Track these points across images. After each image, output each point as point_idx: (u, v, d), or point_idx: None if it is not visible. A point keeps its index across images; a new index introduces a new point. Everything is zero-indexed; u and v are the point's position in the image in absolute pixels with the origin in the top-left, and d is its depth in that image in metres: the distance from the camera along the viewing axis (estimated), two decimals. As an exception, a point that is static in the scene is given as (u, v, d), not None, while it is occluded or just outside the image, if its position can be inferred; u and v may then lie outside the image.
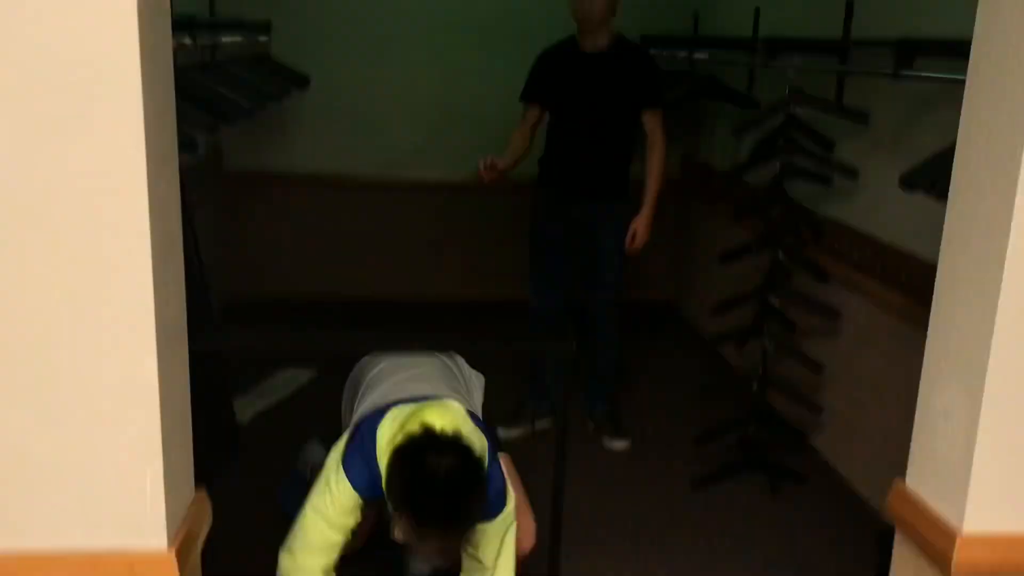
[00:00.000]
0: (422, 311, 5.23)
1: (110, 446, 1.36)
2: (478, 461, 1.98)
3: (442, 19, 5.09)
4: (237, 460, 3.55)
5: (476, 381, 2.65)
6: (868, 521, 3.15)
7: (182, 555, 1.42)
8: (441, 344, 1.99)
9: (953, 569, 1.52)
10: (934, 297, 1.61)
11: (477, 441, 2.08)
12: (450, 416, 2.13)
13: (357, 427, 2.23)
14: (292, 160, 5.23)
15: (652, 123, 3.60)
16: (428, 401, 2.20)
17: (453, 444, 1.97)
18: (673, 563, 2.97)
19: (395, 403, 2.21)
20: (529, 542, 2.45)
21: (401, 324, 5.07)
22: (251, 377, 4.26)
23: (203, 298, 3.35)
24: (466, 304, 5.23)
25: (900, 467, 1.71)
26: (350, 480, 2.13)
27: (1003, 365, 1.45)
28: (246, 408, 3.94)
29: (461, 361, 2.65)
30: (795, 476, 3.51)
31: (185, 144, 2.65)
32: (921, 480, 1.66)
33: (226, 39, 4.38)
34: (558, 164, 3.69)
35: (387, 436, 2.10)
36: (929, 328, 1.64)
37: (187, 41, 3.53)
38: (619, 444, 3.77)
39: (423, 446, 1.97)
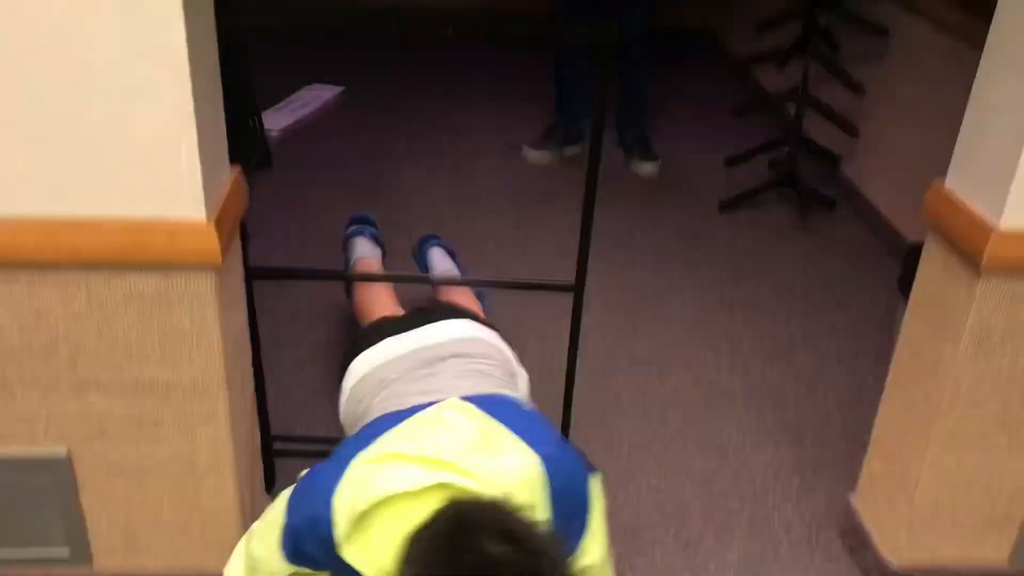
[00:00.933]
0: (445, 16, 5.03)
1: (145, 114, 1.34)
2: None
3: None
4: (269, 168, 3.57)
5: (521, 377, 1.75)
6: (896, 248, 3.17)
7: (221, 227, 1.45)
8: (466, 32, 1.70)
9: (985, 262, 1.53)
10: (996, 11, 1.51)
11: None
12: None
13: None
14: None
15: None
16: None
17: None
18: (697, 281, 3.03)
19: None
20: None
21: (423, 29, 4.89)
22: (279, 91, 4.20)
23: None
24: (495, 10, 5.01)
25: (942, 168, 1.68)
26: (281, 536, 1.27)
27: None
28: (275, 120, 3.92)
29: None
30: (825, 201, 3.50)
31: None
32: (962, 178, 1.64)
33: None
34: None
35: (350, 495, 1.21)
36: (993, 19, 1.55)
37: None
38: (648, 168, 3.74)
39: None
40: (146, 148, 1.37)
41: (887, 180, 3.33)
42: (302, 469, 1.33)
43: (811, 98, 3.37)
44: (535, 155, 3.75)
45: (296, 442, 2.11)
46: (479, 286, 2.31)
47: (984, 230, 1.54)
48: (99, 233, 1.41)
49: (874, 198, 3.41)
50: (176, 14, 1.28)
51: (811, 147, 3.51)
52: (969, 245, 1.57)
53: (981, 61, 1.57)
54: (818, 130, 3.62)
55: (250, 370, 1.77)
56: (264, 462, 1.94)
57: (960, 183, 1.64)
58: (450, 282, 2.30)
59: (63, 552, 1.71)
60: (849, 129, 3.37)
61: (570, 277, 1.84)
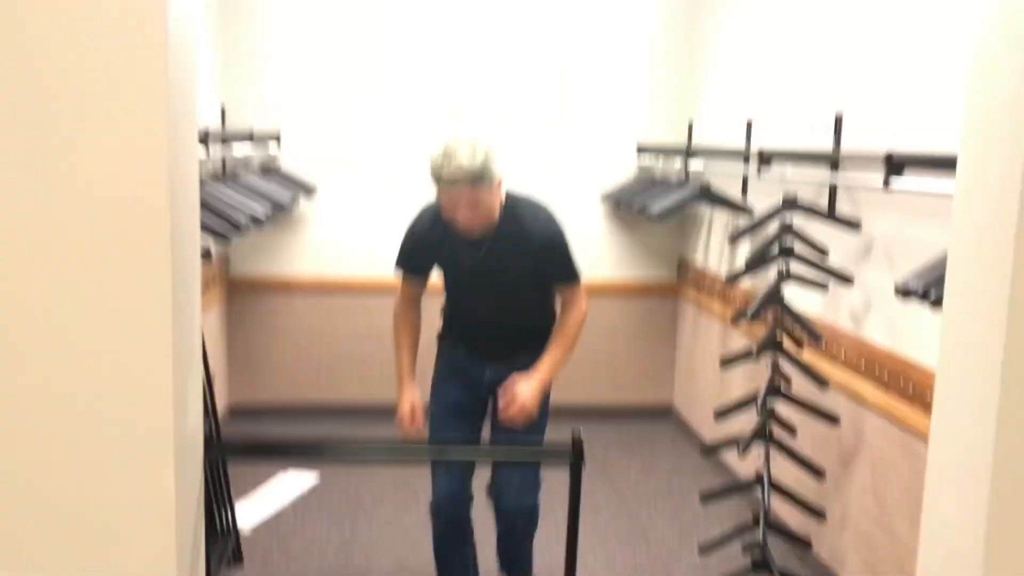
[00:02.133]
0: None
1: (130, 549, 1.38)
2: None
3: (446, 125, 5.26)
4: (240, 566, 3.51)
5: None
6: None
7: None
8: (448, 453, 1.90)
9: None
10: (934, 407, 1.65)
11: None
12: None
13: None
14: (295, 266, 5.31)
15: (567, 294, 2.96)
16: None
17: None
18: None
19: None
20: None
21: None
22: (252, 481, 4.25)
23: (209, 403, 3.37)
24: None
25: (908, 577, 1.71)
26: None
27: (1004, 478, 1.47)
28: (249, 515, 3.92)
29: None
30: (802, 584, 3.48)
31: (201, 254, 2.72)
32: (930, 588, 1.67)
33: (237, 152, 4.53)
34: (461, 331, 3.09)
35: None
36: (930, 441, 1.68)
37: (201, 156, 3.65)
38: None
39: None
40: (127, 592, 1.39)
41: (859, 562, 3.34)
42: None
43: (775, 484, 3.48)
44: None
45: None
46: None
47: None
48: None
49: (850, 581, 3.39)
50: (168, 463, 1.37)
51: (782, 531, 3.55)
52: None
53: (926, 480, 1.67)
54: (787, 512, 3.69)
55: None
56: None
57: (928, 594, 1.67)
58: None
59: None
60: (815, 513, 3.44)
61: None
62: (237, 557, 3.56)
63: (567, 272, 2.93)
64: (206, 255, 3.10)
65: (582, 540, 3.93)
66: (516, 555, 3.15)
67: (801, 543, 3.57)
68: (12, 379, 1.35)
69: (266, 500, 4.13)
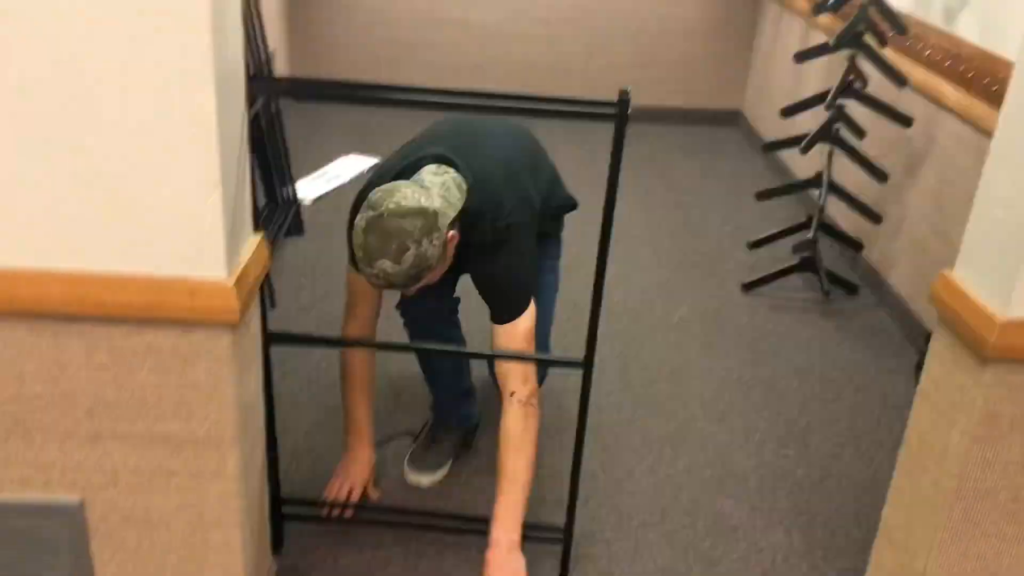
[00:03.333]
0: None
1: (173, 177, 1.41)
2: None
3: None
4: (302, 236, 3.66)
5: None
6: (915, 334, 3.16)
7: (241, 288, 1.50)
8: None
9: (990, 351, 1.54)
10: (1008, 89, 1.55)
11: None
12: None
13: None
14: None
15: (504, 337, 2.02)
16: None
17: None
18: (715, 360, 3.04)
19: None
20: None
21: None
22: (313, 164, 4.33)
23: (258, 39, 3.31)
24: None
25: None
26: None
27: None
28: (308, 190, 4.04)
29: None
30: (847, 285, 3.52)
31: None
32: (969, 268, 1.66)
33: None
34: None
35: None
36: (1000, 114, 1.59)
37: None
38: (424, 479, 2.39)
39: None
40: (173, 209, 1.43)
41: (909, 267, 3.34)
42: (309, 536, 1.34)
43: (834, 185, 3.42)
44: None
45: (306, 506, 2.13)
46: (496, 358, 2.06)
47: (990, 320, 1.55)
48: (123, 289, 1.47)
49: (896, 284, 3.41)
50: (209, 85, 1.36)
51: (834, 232, 3.54)
52: (975, 334, 1.58)
53: (989, 154, 1.61)
54: (842, 215, 3.65)
55: (263, 430, 1.81)
56: (272, 524, 1.96)
57: (967, 273, 1.66)
58: (469, 356, 2.30)
59: (70, 601, 1.74)
60: (872, 216, 3.40)
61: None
62: (298, 228, 3.70)
63: (509, 297, 2.01)
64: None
65: (631, 232, 4.01)
66: None
67: (852, 245, 3.57)
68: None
69: (326, 177, 4.23)
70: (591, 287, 1.78)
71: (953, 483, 1.67)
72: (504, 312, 2.00)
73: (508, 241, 1.96)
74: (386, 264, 1.74)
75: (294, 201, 3.68)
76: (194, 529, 1.68)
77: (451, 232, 1.84)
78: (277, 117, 3.50)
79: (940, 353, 1.73)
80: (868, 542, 1.98)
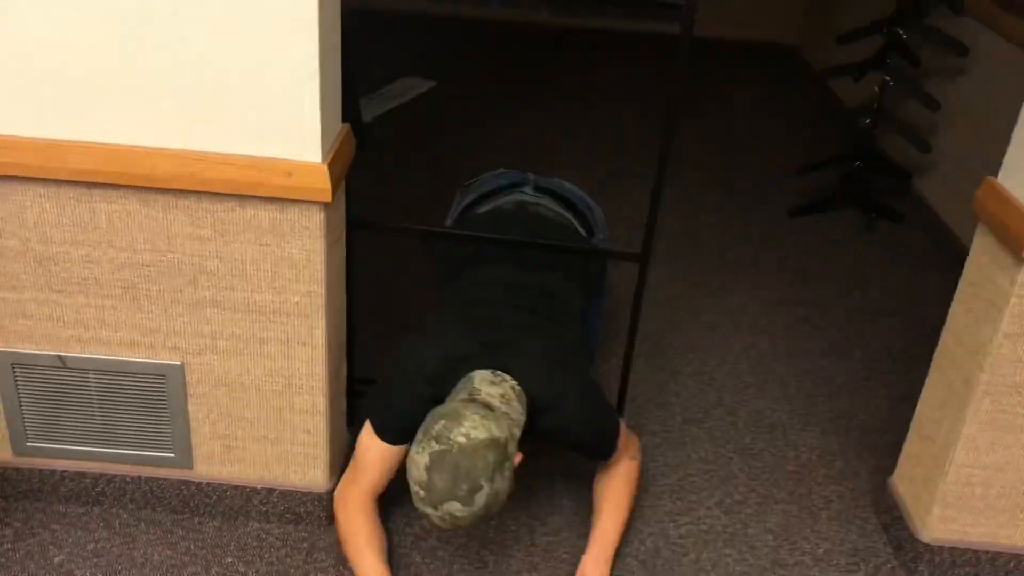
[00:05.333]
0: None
1: (276, 65, 1.55)
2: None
3: None
4: (364, 151, 3.79)
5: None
6: (960, 260, 3.22)
7: (332, 170, 1.65)
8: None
9: (1027, 251, 1.64)
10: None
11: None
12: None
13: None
14: None
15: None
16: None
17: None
18: (761, 279, 3.15)
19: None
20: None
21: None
22: (375, 81, 4.45)
23: None
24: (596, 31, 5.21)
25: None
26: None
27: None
28: (370, 108, 4.16)
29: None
30: (893, 214, 3.58)
31: None
32: (1013, 174, 1.75)
33: None
34: None
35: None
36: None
37: None
38: None
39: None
40: (275, 95, 1.57)
41: (957, 195, 3.40)
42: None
43: (886, 113, 3.47)
44: None
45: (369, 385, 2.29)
46: (546, 251, 2.10)
47: (1028, 221, 1.65)
48: (228, 167, 1.62)
49: (943, 212, 3.48)
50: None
51: (883, 161, 3.60)
52: (1014, 235, 1.68)
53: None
54: (891, 144, 3.71)
55: (344, 303, 1.96)
56: (347, 398, 2.13)
57: (1011, 178, 1.75)
58: (529, 245, 2.39)
59: (170, 455, 1.93)
60: (922, 145, 3.45)
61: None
62: (361, 143, 3.82)
63: (598, 447, 1.92)
64: None
65: (685, 155, 4.06)
66: None
67: (900, 174, 3.62)
68: None
69: (386, 96, 4.35)
70: (648, 194, 1.91)
71: (984, 378, 1.79)
72: (601, 458, 1.93)
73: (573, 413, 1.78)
74: (455, 507, 1.51)
75: (357, 115, 3.81)
76: (282, 393, 1.85)
77: (519, 456, 1.62)
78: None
79: (979, 256, 1.83)
80: (900, 445, 2.11)
